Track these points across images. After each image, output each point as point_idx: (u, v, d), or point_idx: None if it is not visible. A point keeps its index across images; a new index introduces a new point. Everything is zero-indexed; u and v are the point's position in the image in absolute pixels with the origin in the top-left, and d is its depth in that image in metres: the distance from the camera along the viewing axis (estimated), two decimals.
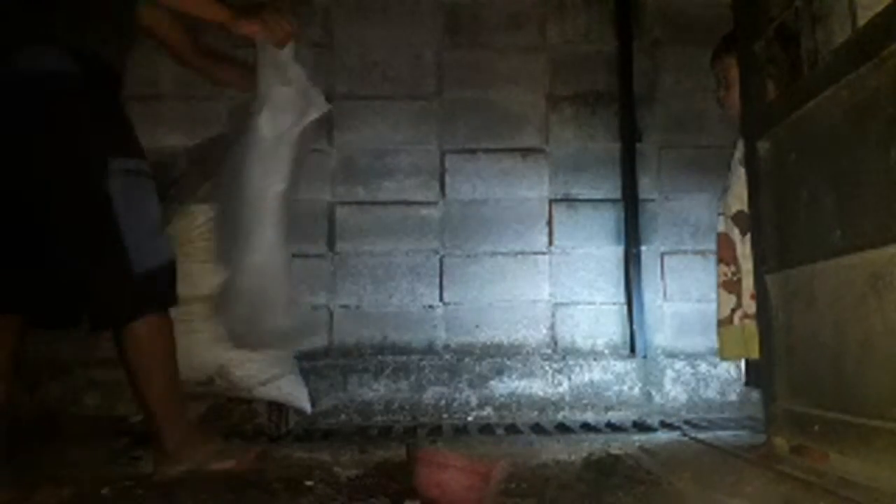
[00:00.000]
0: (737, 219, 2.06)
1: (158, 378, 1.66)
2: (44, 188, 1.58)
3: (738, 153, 2.04)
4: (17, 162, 1.58)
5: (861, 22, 1.39)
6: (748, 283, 1.97)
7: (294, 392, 2.30)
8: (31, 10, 1.60)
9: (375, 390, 2.84)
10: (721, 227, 2.15)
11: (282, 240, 1.79)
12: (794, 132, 1.65)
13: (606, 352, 2.97)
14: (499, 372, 2.88)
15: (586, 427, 2.53)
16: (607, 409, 2.85)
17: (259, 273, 1.77)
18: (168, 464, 1.68)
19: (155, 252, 1.63)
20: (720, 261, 2.14)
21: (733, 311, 2.07)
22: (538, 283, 3.02)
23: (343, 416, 2.79)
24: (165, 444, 1.68)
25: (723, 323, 2.11)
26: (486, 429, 2.55)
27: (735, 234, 2.07)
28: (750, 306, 1.97)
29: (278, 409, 2.38)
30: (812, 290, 1.56)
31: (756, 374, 1.97)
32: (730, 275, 2.09)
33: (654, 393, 2.87)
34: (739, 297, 2.04)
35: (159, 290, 1.65)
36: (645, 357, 2.91)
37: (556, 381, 2.88)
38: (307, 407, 2.38)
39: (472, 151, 3.10)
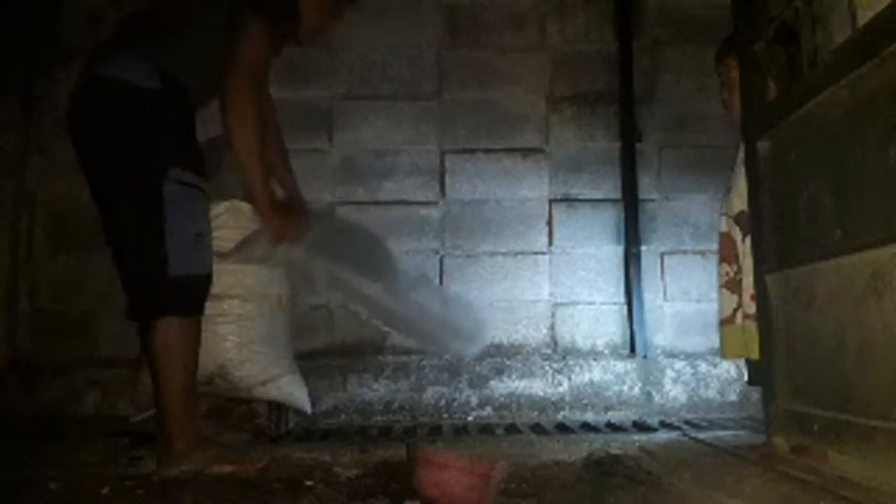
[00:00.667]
0: (739, 219, 2.06)
1: (177, 379, 1.71)
2: (110, 183, 1.74)
3: (741, 153, 2.04)
4: (95, 158, 1.75)
5: (861, 22, 1.39)
6: (748, 284, 1.97)
7: (294, 392, 2.30)
8: (133, 29, 1.83)
9: (375, 390, 2.84)
10: (723, 227, 2.15)
11: None
12: (794, 132, 1.65)
13: (606, 352, 2.98)
14: (499, 372, 2.88)
15: (586, 427, 2.53)
16: (607, 409, 2.85)
17: None
18: (170, 464, 1.68)
19: (194, 261, 1.72)
20: (722, 260, 2.14)
21: (735, 310, 2.07)
22: (538, 283, 3.02)
23: (343, 416, 2.79)
24: (175, 444, 1.70)
25: (725, 322, 2.11)
26: (486, 429, 2.55)
27: (737, 233, 2.07)
28: (750, 306, 1.96)
29: (278, 409, 2.37)
30: (812, 290, 1.56)
31: (758, 374, 1.97)
32: (732, 274, 2.09)
33: (654, 393, 2.87)
34: (741, 296, 2.04)
35: (189, 296, 1.73)
36: (645, 357, 2.91)
37: (556, 381, 2.88)
38: (307, 407, 2.38)
39: (472, 151, 3.10)
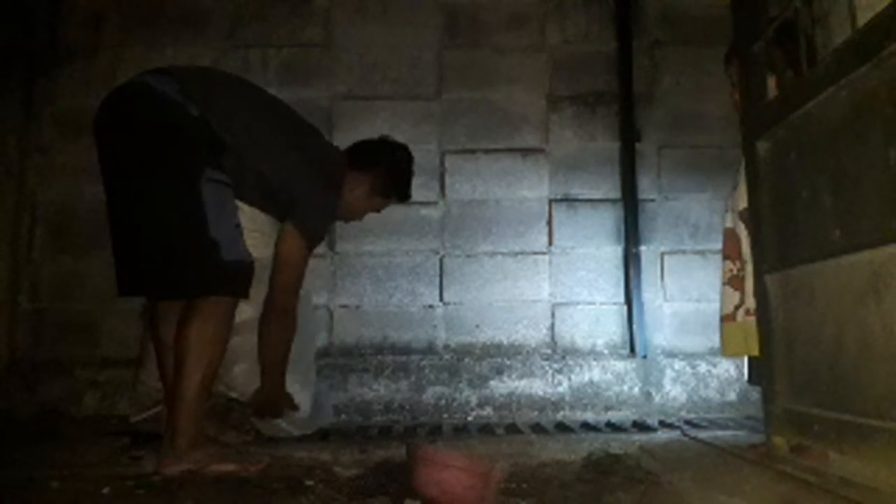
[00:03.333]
0: (744, 215, 2.05)
1: (199, 372, 1.74)
2: (147, 179, 1.83)
3: None
4: (130, 156, 1.85)
5: (861, 22, 1.39)
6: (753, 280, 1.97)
7: (294, 392, 2.29)
8: (197, 75, 2.03)
9: (375, 390, 2.84)
10: (728, 223, 2.14)
11: None
12: (793, 132, 1.65)
13: (606, 352, 2.98)
14: (499, 372, 2.88)
15: (586, 427, 2.53)
16: (607, 408, 2.85)
17: None
18: (171, 463, 1.69)
19: (238, 249, 1.84)
20: (726, 257, 2.13)
21: (737, 307, 2.06)
22: (538, 283, 3.02)
23: (343, 416, 2.79)
24: (178, 439, 1.70)
25: (725, 319, 2.10)
26: (485, 429, 2.55)
27: (741, 230, 2.07)
28: (754, 303, 1.96)
29: None
30: (812, 290, 1.56)
31: (759, 372, 1.96)
32: (735, 271, 2.08)
33: (653, 393, 2.87)
34: (743, 293, 2.03)
35: (238, 279, 1.83)
36: (645, 357, 2.91)
37: (555, 381, 2.88)
38: (305, 407, 2.37)
39: (472, 151, 3.10)
